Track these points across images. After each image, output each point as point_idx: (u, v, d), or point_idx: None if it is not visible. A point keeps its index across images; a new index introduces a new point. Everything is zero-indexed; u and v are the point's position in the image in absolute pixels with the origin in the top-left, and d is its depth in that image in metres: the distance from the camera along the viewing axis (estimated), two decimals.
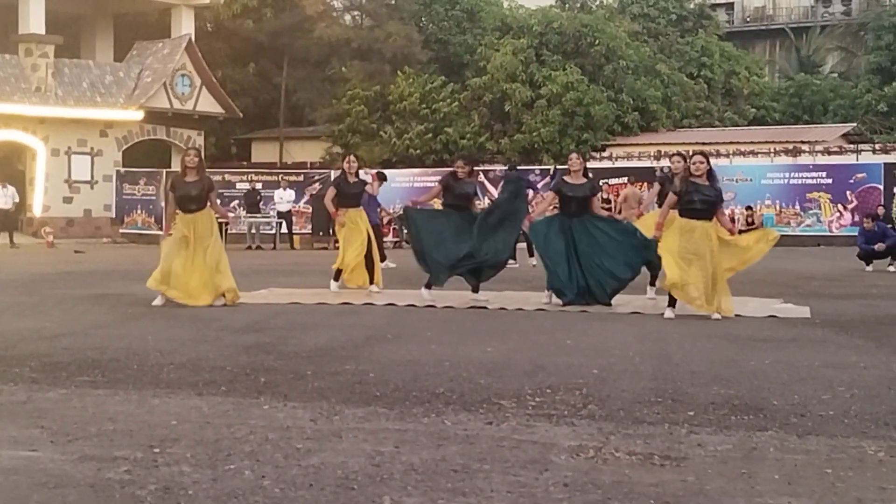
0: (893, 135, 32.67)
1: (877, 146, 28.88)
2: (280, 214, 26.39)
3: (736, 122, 36.04)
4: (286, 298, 11.04)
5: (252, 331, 8.27)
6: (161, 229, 28.67)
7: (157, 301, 10.15)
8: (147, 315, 9.47)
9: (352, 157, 12.19)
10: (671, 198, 9.55)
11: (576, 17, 34.56)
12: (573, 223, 10.18)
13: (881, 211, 22.02)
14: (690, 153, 9.80)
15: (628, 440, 4.46)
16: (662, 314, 9.26)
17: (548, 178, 24.23)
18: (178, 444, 4.35)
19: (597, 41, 32.58)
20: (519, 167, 21.35)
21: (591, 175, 10.87)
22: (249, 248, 24.89)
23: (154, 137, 31.12)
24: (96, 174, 30.16)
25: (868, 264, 16.25)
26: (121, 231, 29.08)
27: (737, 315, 9.25)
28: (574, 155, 10.73)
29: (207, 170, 11.80)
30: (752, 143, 30.05)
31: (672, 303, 9.31)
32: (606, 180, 25.71)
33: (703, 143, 30.50)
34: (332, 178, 12.85)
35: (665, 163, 28.08)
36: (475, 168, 11.68)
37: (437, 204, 12.25)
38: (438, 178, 30.61)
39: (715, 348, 7.28)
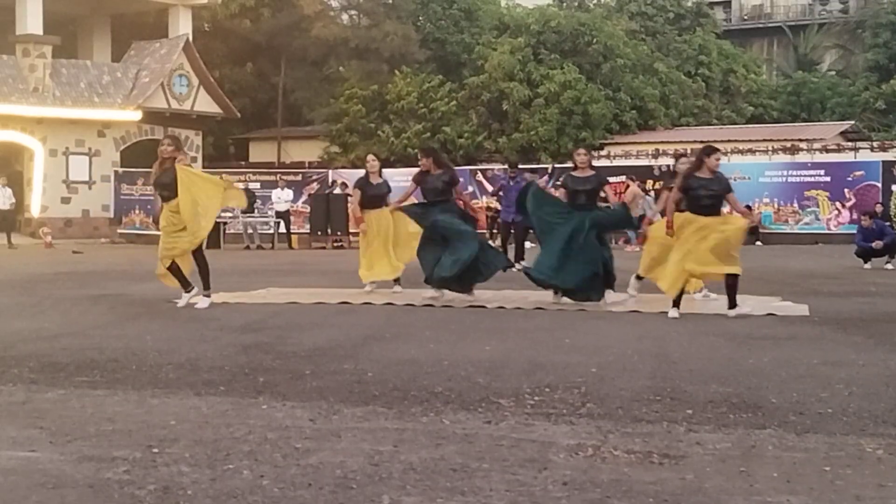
0: (891, 132, 32.70)
1: (875, 144, 28.90)
2: (278, 214, 26.39)
3: (734, 120, 36.07)
4: (284, 298, 11.03)
5: (250, 330, 8.27)
6: (159, 229, 28.81)
7: (183, 301, 10.09)
8: (145, 315, 9.47)
9: (370, 157, 12.02)
10: (675, 195, 9.44)
11: (573, 15, 34.60)
12: (583, 218, 10.17)
13: (879, 209, 22.02)
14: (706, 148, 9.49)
15: (627, 439, 4.46)
16: (666, 313, 9.25)
17: (545, 177, 24.25)
18: (176, 444, 4.35)
19: (594, 40, 32.60)
20: (519, 167, 20.89)
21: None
22: (248, 247, 24.89)
23: (152, 137, 31.07)
24: (94, 174, 30.16)
25: (866, 262, 16.26)
26: (119, 231, 29.06)
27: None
28: (581, 150, 10.70)
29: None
30: (750, 141, 30.06)
31: (676, 303, 9.28)
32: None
33: (701, 142, 30.44)
34: (355, 181, 12.59)
35: (663, 161, 28.17)
36: (439, 158, 11.33)
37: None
38: None
39: (713, 346, 7.29)
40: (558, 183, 11.26)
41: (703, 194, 9.18)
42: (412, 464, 4.02)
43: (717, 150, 9.54)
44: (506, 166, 18.16)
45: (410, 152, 32.55)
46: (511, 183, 15.64)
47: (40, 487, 3.72)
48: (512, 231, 16.00)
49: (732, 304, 9.16)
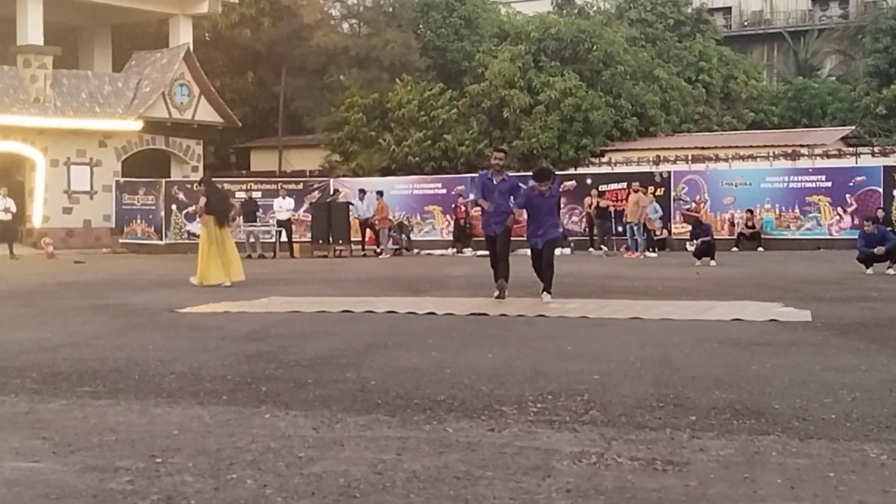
0: (892, 137, 32.67)
1: (876, 149, 28.91)
2: (279, 223, 26.39)
3: (735, 126, 36.07)
4: (286, 307, 11.04)
5: (253, 339, 8.27)
6: (160, 239, 28.94)
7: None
8: (147, 325, 9.47)
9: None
10: None
11: (573, 22, 34.60)
12: None
13: (881, 214, 22.03)
14: None
15: (630, 445, 4.46)
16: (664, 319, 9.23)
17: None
18: (179, 454, 4.35)
19: (594, 47, 32.62)
20: (517, 174, 19.68)
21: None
22: (249, 256, 24.88)
23: (153, 147, 31.13)
24: (95, 184, 30.17)
25: (868, 267, 16.24)
26: (120, 241, 29.04)
27: (737, 319, 9.25)
28: None
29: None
30: (751, 147, 30.05)
31: None
32: (606, 185, 25.73)
33: (702, 148, 30.58)
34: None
35: (664, 167, 28.15)
36: None
37: None
38: (438, 184, 29.98)
39: (716, 353, 7.28)
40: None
41: None
42: (416, 472, 4.02)
43: None
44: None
45: (411, 160, 32.59)
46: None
47: (43, 498, 3.72)
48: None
49: None
